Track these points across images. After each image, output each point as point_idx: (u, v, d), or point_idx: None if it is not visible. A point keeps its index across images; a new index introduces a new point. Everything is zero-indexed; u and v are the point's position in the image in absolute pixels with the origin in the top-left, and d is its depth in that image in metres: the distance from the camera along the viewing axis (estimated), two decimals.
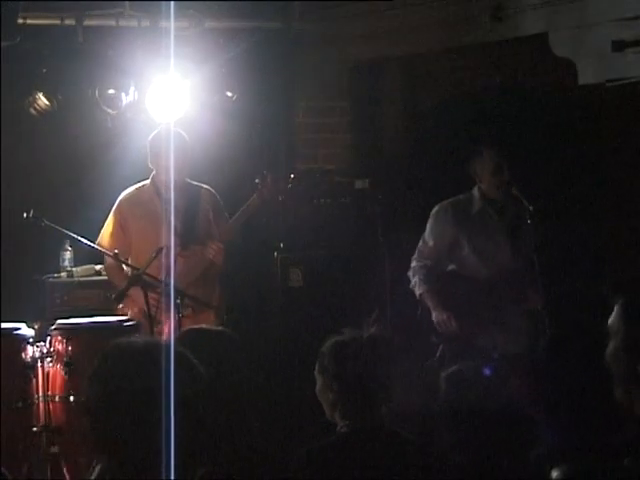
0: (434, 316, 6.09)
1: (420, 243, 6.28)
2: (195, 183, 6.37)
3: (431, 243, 6.23)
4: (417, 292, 6.20)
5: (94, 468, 2.60)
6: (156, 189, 6.29)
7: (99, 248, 6.28)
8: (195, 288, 6.07)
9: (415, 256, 6.26)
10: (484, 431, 3.07)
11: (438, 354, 6.06)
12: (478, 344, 5.98)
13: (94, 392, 2.32)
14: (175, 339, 3.95)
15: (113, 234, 6.27)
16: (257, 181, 6.32)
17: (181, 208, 6.23)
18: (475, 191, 6.21)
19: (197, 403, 2.29)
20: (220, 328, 3.99)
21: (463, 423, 3.12)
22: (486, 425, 3.07)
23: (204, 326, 4.11)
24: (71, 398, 5.58)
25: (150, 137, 6.27)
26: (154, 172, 6.31)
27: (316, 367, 3.70)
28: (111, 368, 2.32)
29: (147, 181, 6.36)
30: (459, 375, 3.25)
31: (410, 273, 6.25)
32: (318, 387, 3.69)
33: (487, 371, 3.21)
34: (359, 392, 3.58)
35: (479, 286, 6.07)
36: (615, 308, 2.57)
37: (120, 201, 6.33)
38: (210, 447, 2.33)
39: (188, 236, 6.24)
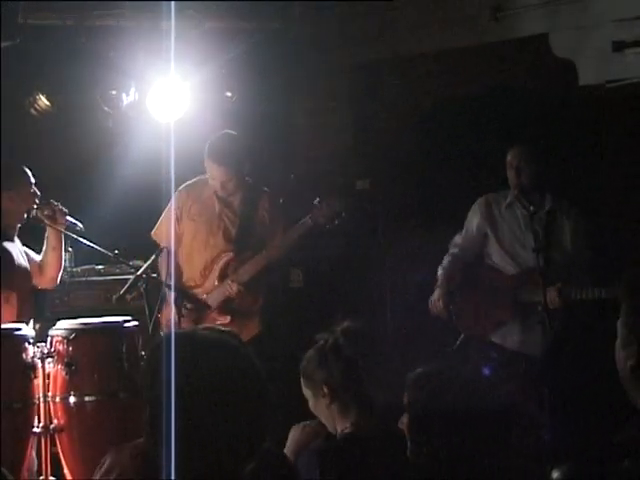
0: (433, 294, 6.15)
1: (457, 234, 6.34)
2: (260, 187, 6.21)
3: (463, 233, 6.28)
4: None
5: (103, 464, 2.61)
6: (215, 188, 6.13)
7: (99, 248, 6.28)
8: (241, 296, 6.04)
9: (450, 244, 6.33)
10: (449, 433, 3.05)
11: (458, 342, 6.06)
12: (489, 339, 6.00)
13: (147, 382, 2.29)
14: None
15: (168, 224, 6.13)
16: (315, 202, 6.05)
17: (238, 212, 6.13)
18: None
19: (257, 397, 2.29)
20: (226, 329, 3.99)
21: (426, 425, 3.09)
22: (452, 427, 3.05)
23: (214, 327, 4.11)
24: (72, 398, 5.58)
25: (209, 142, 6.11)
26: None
27: (302, 382, 3.72)
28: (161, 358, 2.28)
29: (206, 176, 6.18)
30: (422, 377, 3.23)
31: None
32: (311, 403, 3.70)
33: (460, 373, 3.18)
34: (348, 394, 3.59)
35: (501, 280, 6.08)
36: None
37: (180, 192, 6.20)
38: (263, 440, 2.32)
39: (241, 243, 6.12)
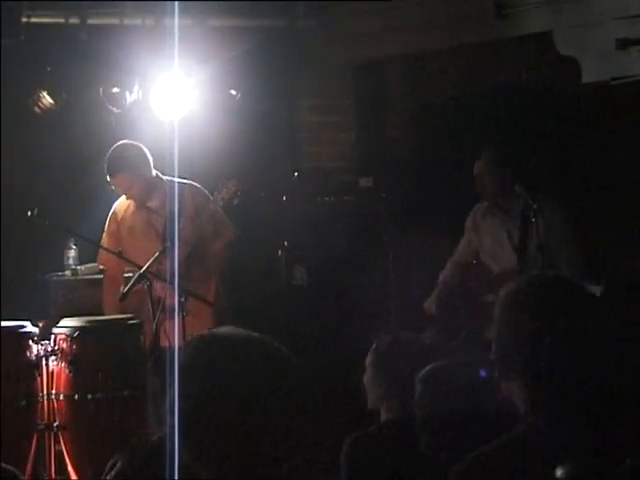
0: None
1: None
2: (178, 181, 6.26)
3: (461, 242, 6.46)
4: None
5: (113, 466, 2.60)
6: (133, 199, 6.37)
7: (103, 247, 6.30)
8: (191, 284, 6.04)
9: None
10: (458, 432, 3.05)
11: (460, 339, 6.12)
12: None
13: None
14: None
15: (110, 247, 6.30)
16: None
17: (162, 212, 6.23)
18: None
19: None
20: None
21: (437, 424, 3.10)
22: (460, 426, 3.05)
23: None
24: (75, 396, 5.59)
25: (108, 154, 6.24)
26: None
27: (367, 358, 3.84)
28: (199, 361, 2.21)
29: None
30: (432, 376, 3.24)
31: None
32: (366, 378, 3.83)
33: (465, 372, 3.18)
34: (405, 386, 3.63)
35: (485, 285, 6.16)
36: None
37: (113, 212, 6.41)
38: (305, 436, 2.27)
39: (171, 240, 6.18)
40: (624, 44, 6.12)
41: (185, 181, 6.34)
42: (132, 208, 6.38)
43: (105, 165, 6.19)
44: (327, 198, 7.24)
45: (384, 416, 3.74)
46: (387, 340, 3.82)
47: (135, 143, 6.25)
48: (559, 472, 2.37)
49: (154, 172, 6.28)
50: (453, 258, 6.47)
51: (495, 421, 2.97)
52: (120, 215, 6.40)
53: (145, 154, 6.23)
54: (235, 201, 6.20)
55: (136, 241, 6.32)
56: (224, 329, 2.31)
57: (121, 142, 6.26)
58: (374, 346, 3.84)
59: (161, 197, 6.25)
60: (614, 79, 6.26)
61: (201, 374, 2.16)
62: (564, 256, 6.08)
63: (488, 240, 6.30)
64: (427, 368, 3.28)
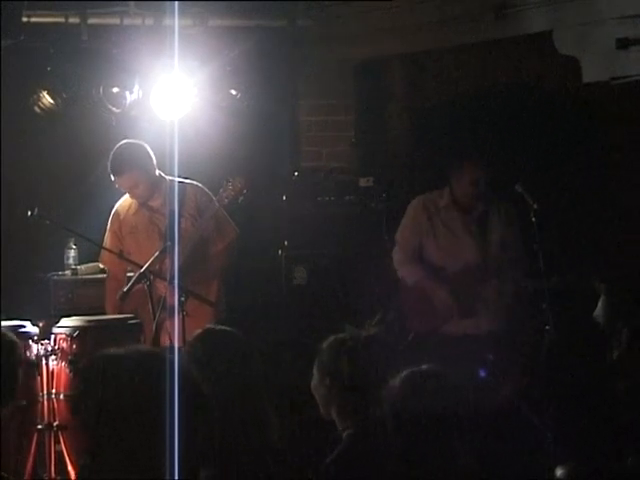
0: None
1: (399, 234, 6.42)
2: (180, 181, 6.30)
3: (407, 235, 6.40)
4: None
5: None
6: (136, 199, 6.35)
7: (104, 247, 6.30)
8: (193, 284, 6.05)
9: (396, 248, 6.42)
10: (435, 436, 3.04)
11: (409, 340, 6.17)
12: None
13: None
14: (192, 340, 3.97)
15: (112, 246, 6.31)
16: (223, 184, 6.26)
17: (163, 212, 6.22)
18: (447, 187, 6.30)
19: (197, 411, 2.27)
20: (227, 328, 4.00)
21: (411, 427, 3.08)
22: (438, 430, 3.04)
23: (214, 327, 4.12)
24: None
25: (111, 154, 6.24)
26: None
27: (315, 363, 3.73)
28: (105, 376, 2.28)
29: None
30: (412, 378, 3.21)
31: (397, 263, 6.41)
32: (314, 383, 3.72)
33: (445, 375, 3.16)
34: (351, 390, 3.59)
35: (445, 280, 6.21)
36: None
37: (115, 212, 6.41)
38: (214, 450, 2.32)
39: (172, 239, 6.19)
40: (624, 44, 6.13)
41: (188, 181, 6.34)
42: (134, 207, 6.38)
43: (109, 163, 6.19)
44: (327, 198, 7.24)
45: (339, 423, 3.63)
46: (328, 341, 3.73)
47: (139, 142, 6.26)
48: (560, 471, 2.38)
49: (157, 171, 6.29)
50: (409, 253, 6.33)
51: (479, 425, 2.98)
52: (122, 214, 6.40)
53: (149, 153, 6.23)
54: (241, 199, 6.19)
55: (138, 240, 6.32)
56: (126, 349, 2.39)
57: (125, 141, 6.26)
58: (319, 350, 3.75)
59: (164, 196, 6.25)
60: (614, 79, 6.26)
61: (99, 391, 2.26)
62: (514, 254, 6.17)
63: (443, 234, 6.28)
64: (412, 370, 3.24)
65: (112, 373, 2.28)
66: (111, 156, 6.19)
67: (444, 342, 5.98)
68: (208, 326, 4.12)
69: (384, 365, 3.59)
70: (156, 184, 6.28)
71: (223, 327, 4.03)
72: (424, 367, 3.17)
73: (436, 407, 2.98)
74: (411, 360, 3.23)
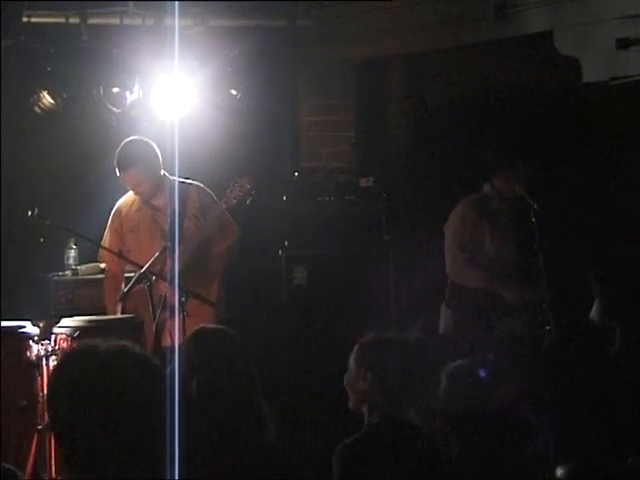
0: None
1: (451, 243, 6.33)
2: (183, 181, 6.30)
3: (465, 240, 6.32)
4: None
5: None
6: (140, 196, 6.37)
7: (104, 247, 6.30)
8: (193, 285, 6.05)
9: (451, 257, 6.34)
10: (482, 429, 3.06)
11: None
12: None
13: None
14: (187, 338, 3.98)
15: (112, 244, 6.32)
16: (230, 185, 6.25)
17: (166, 211, 6.22)
18: (489, 189, 6.24)
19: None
20: (222, 327, 4.00)
21: (462, 420, 3.11)
22: (485, 423, 3.06)
23: (209, 326, 4.13)
24: None
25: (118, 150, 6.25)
26: None
27: (351, 356, 3.75)
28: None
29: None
30: (460, 371, 3.24)
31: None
32: (349, 376, 3.74)
33: (484, 370, 3.19)
34: (394, 389, 3.61)
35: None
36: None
37: (116, 210, 6.41)
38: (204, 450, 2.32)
39: (173, 239, 6.19)
40: (624, 44, 6.12)
41: (191, 181, 6.35)
42: (137, 205, 6.38)
43: (115, 160, 6.21)
44: (327, 198, 7.24)
45: (368, 416, 3.68)
46: (370, 338, 3.77)
47: (146, 139, 6.27)
48: (560, 470, 2.38)
49: (162, 171, 6.29)
50: (465, 255, 6.27)
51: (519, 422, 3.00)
52: (124, 211, 6.39)
53: (156, 151, 6.25)
54: (249, 200, 6.18)
55: (139, 238, 6.32)
56: (96, 341, 2.37)
57: (132, 138, 6.28)
58: (357, 345, 3.78)
59: (167, 195, 6.25)
60: (614, 79, 6.26)
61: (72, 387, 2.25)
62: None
63: (499, 236, 6.21)
64: (455, 364, 3.27)
65: (83, 370, 2.28)
66: (118, 151, 6.22)
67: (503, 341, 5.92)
68: (201, 325, 4.14)
69: (433, 366, 3.62)
70: (160, 183, 6.29)
71: (215, 326, 4.04)
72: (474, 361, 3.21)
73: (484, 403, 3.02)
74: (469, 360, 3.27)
